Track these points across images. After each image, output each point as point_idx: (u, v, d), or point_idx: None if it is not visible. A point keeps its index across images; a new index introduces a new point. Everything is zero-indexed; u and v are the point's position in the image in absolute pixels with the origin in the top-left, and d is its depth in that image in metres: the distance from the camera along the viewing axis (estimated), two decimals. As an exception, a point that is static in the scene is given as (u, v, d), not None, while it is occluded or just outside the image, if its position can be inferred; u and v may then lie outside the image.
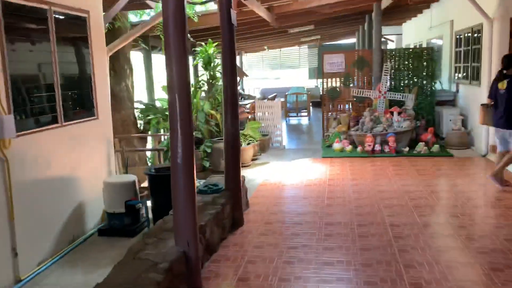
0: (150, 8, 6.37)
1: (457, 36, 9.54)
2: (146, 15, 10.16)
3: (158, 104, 8.38)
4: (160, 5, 5.93)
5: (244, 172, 7.50)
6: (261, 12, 7.99)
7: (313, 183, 6.53)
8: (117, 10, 5.40)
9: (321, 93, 10.76)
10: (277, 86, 23.58)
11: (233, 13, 4.36)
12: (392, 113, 8.80)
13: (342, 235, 4.42)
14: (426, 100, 9.55)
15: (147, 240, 3.51)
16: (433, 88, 9.60)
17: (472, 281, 3.40)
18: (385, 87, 9.18)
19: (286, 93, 15.13)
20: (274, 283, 3.48)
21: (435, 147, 8.33)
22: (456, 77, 9.79)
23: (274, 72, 28.33)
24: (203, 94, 8.36)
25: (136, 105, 7.59)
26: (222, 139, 5.99)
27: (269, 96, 15.93)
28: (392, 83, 9.68)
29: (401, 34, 17.70)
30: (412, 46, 14.45)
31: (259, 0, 7.58)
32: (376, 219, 4.84)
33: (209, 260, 3.92)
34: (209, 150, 7.43)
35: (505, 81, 5.60)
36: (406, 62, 9.66)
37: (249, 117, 9.82)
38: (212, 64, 8.14)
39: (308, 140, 10.88)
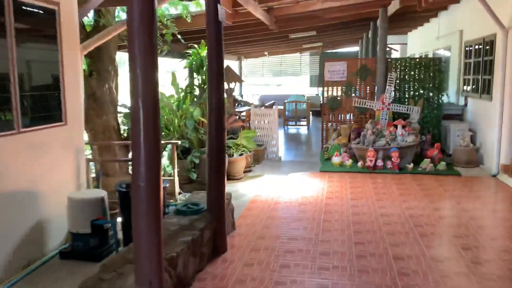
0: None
1: (467, 47, 8.99)
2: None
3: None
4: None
5: (235, 186, 6.94)
6: (259, 14, 7.43)
7: (309, 202, 5.94)
8: (96, 5, 4.84)
9: (321, 102, 10.20)
10: (276, 93, 23.04)
11: (221, 9, 3.81)
12: (395, 126, 8.23)
13: (339, 269, 3.83)
14: (432, 113, 8.97)
15: (103, 276, 2.92)
16: (440, 101, 9.03)
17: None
18: (389, 98, 8.61)
19: (285, 101, 14.57)
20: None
21: (441, 165, 7.74)
22: (464, 90, 9.23)
23: (275, 78, 27.83)
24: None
25: (120, 109, 7.00)
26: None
27: (267, 104, 15.36)
28: (397, 94, 9.12)
29: (405, 44, 17.20)
30: (417, 56, 13.94)
31: (256, 0, 7.03)
32: (378, 250, 4.25)
33: (181, 298, 3.34)
34: (197, 161, 6.84)
35: None
36: (412, 73, 9.10)
37: (245, 125, 9.24)
38: (204, 68, 7.58)
39: (306, 151, 10.29)
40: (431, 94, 9.02)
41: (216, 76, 4.02)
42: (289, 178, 7.40)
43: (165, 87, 7.90)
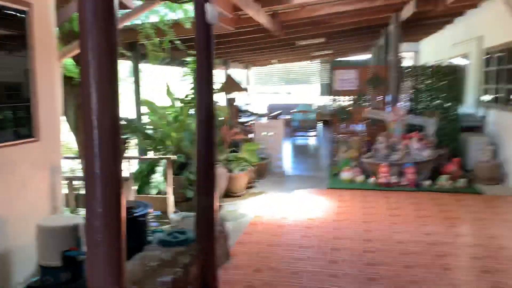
0: (127, 8, 5.29)
1: (488, 54, 8.36)
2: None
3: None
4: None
5: (234, 204, 6.37)
6: (262, 19, 6.91)
7: (315, 225, 5.34)
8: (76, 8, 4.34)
9: (330, 112, 9.62)
10: (285, 102, 22.50)
11: (210, 7, 3.27)
12: (410, 139, 7.60)
13: (348, 315, 3.24)
14: (450, 125, 8.33)
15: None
16: (458, 112, 8.39)
17: None
18: (404, 109, 8.00)
19: (292, 111, 14.01)
20: None
21: (461, 181, 7.09)
22: (484, 101, 8.58)
23: (285, 87, 27.28)
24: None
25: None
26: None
27: (271, 114, 14.80)
28: (411, 104, 8.50)
29: (416, 52, 16.56)
30: (432, 64, 13.30)
31: (259, 3, 6.51)
32: (394, 288, 3.65)
33: None
34: (193, 177, 6.29)
35: None
36: (429, 82, 8.49)
37: (246, 138, 8.69)
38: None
39: (314, 165, 9.67)
40: (448, 104, 8.40)
41: (205, 85, 3.46)
42: (295, 196, 6.82)
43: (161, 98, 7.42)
